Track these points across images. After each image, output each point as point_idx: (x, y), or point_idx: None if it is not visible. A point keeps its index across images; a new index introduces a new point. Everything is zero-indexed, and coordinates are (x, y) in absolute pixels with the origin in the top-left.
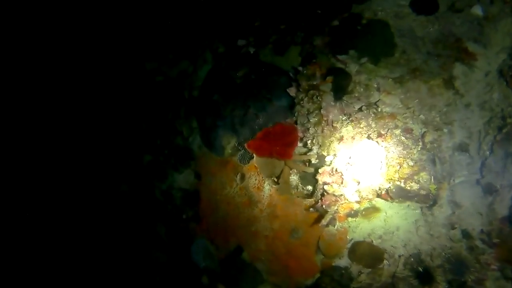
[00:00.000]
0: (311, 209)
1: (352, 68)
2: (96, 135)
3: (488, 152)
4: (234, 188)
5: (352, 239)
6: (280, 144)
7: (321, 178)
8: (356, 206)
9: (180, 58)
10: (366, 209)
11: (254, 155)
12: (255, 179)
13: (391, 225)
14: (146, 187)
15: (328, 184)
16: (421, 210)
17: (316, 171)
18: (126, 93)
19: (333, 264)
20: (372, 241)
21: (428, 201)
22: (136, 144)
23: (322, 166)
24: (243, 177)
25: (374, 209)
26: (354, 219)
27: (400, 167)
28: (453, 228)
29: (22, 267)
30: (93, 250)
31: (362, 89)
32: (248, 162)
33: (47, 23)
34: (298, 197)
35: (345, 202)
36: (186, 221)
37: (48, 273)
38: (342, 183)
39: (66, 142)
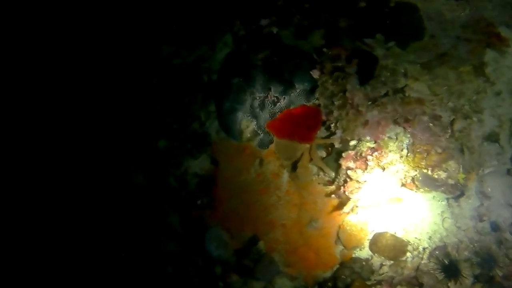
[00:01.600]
0: (332, 195)
1: (379, 51)
2: (110, 119)
3: None
4: (251, 175)
5: (373, 230)
6: (302, 126)
7: (344, 163)
8: (379, 195)
9: (199, 43)
10: (389, 198)
11: (274, 138)
12: (274, 165)
13: (416, 216)
14: (160, 173)
15: (352, 169)
16: (447, 201)
17: (339, 155)
18: (143, 77)
19: (353, 255)
20: (395, 232)
21: (455, 191)
22: (151, 128)
23: (346, 150)
24: (261, 163)
25: (398, 199)
26: (376, 208)
27: (427, 154)
28: (481, 220)
29: (32, 257)
30: (104, 240)
31: (388, 74)
32: (267, 147)
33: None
34: (318, 183)
35: (369, 189)
36: (201, 208)
37: (59, 262)
38: (366, 169)
39: (79, 127)
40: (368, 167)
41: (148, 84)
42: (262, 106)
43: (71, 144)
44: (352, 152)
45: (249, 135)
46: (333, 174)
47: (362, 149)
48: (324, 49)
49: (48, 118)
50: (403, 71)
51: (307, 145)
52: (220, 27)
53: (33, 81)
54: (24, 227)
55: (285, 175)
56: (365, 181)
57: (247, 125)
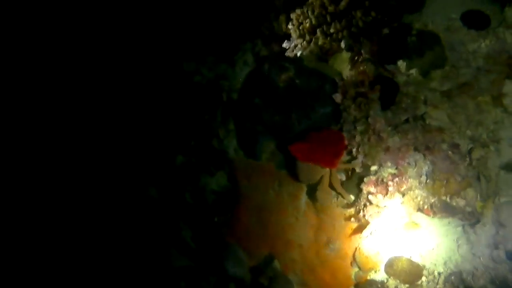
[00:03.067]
0: (352, 219)
1: (400, 78)
2: (129, 134)
3: None
4: (270, 195)
5: (390, 253)
6: (326, 151)
7: (366, 188)
8: (397, 220)
9: (219, 61)
10: (406, 223)
11: (295, 160)
12: (293, 187)
13: (432, 241)
14: (176, 189)
15: (372, 194)
16: (463, 228)
17: (361, 180)
18: (162, 92)
19: (368, 278)
20: (411, 256)
21: (472, 218)
22: (169, 144)
23: (367, 175)
24: (280, 184)
25: (415, 224)
26: (394, 233)
27: (447, 182)
28: (496, 248)
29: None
30: (116, 252)
31: (409, 101)
32: (288, 168)
33: (86, 20)
34: (338, 206)
35: (388, 214)
36: (217, 225)
37: (72, 274)
38: (387, 194)
39: (98, 139)
40: (389, 193)
41: (168, 100)
42: (283, 128)
43: (88, 153)
44: (373, 178)
45: (268, 156)
46: (351, 199)
47: (384, 174)
48: (347, 75)
49: (65, 129)
50: (423, 98)
51: (328, 169)
52: (241, 46)
53: (59, 97)
54: (37, 240)
55: (304, 197)
56: (385, 206)
57: (268, 146)
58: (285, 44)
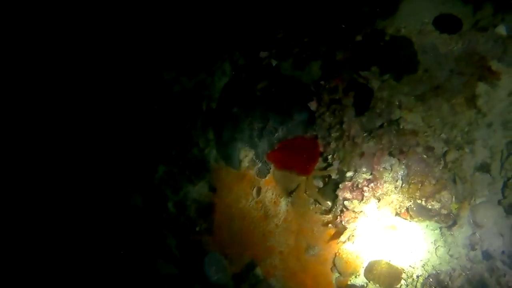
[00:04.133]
0: (329, 225)
1: (374, 84)
2: (109, 144)
3: (511, 173)
4: (250, 202)
5: (369, 258)
6: (301, 158)
7: (341, 194)
8: (375, 225)
9: (198, 70)
10: (384, 227)
11: (272, 168)
12: (272, 194)
13: (410, 244)
14: (158, 199)
15: (348, 199)
16: (440, 230)
17: (337, 186)
18: (143, 102)
19: (349, 282)
20: (390, 260)
21: (448, 220)
22: (150, 154)
23: (343, 181)
24: (259, 191)
25: (393, 228)
26: (372, 237)
27: (421, 185)
28: (473, 249)
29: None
30: (101, 261)
31: (383, 106)
32: (266, 176)
33: (64, 29)
34: (316, 212)
35: (365, 219)
36: (199, 234)
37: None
38: (362, 199)
39: (78, 150)
40: (364, 198)
41: (149, 110)
42: (260, 136)
43: (73, 161)
44: (349, 183)
45: (247, 164)
46: (328, 205)
47: (359, 180)
48: (322, 82)
49: (52, 135)
50: (397, 103)
51: (304, 176)
52: (219, 55)
53: (36, 104)
54: (24, 243)
55: (283, 203)
56: (361, 211)
57: (246, 154)
58: (262, 54)
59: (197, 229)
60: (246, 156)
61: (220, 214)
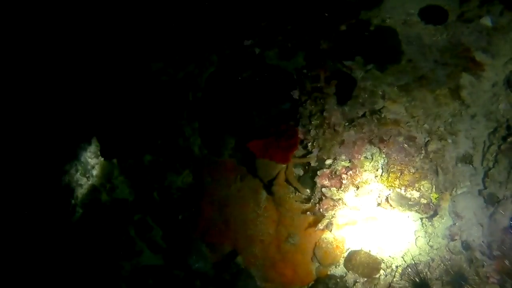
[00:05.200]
0: (307, 212)
1: (358, 74)
2: (97, 132)
3: (492, 163)
4: (232, 190)
5: (349, 248)
6: (279, 147)
7: (320, 181)
8: (354, 215)
9: (186, 60)
10: (364, 217)
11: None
12: (253, 182)
13: (390, 235)
14: (145, 187)
15: (326, 187)
16: (421, 220)
17: (316, 174)
18: (130, 92)
19: (329, 272)
20: (370, 250)
21: (428, 211)
22: (137, 143)
23: (322, 169)
24: (242, 179)
25: (373, 218)
26: (352, 228)
27: (401, 174)
28: (453, 239)
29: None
30: (85, 253)
31: (366, 95)
32: (248, 164)
33: (53, 22)
34: (296, 201)
35: (344, 207)
36: (182, 222)
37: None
38: (340, 187)
39: (65, 138)
40: (343, 186)
41: (136, 99)
42: (243, 124)
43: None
44: (327, 171)
45: (230, 152)
46: (307, 192)
47: (337, 167)
48: (304, 70)
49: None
50: (381, 93)
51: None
52: (207, 46)
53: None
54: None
55: (264, 191)
56: (339, 199)
57: (229, 142)
58: (246, 42)
59: (180, 217)
60: (229, 144)
61: (202, 203)
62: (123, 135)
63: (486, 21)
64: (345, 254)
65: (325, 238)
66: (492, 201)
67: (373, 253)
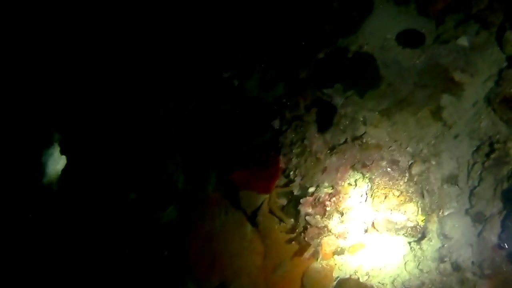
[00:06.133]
0: (293, 242)
1: (338, 100)
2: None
3: (477, 181)
4: (217, 224)
5: (338, 276)
6: (261, 177)
7: (303, 209)
8: (342, 242)
9: (167, 97)
10: (352, 244)
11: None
12: (238, 215)
13: (379, 260)
14: (131, 224)
15: (310, 215)
16: (409, 244)
17: (298, 202)
18: (114, 128)
19: None
20: (359, 278)
21: (416, 234)
22: (121, 181)
23: (304, 196)
24: (226, 213)
25: (360, 245)
26: (340, 256)
27: (385, 198)
28: (442, 261)
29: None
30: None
31: (347, 122)
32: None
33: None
34: (281, 231)
35: (329, 234)
36: (169, 258)
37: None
38: (325, 214)
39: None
40: (327, 213)
41: (120, 136)
42: (225, 158)
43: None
44: (310, 198)
45: (215, 186)
46: (291, 222)
47: (320, 194)
48: (284, 100)
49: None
50: (362, 118)
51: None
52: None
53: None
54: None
55: (249, 224)
56: (324, 227)
57: (212, 176)
58: (225, 74)
59: (165, 253)
60: (213, 178)
61: (188, 238)
62: (108, 172)
63: (463, 41)
64: (334, 283)
65: (313, 268)
66: (479, 219)
67: (362, 280)
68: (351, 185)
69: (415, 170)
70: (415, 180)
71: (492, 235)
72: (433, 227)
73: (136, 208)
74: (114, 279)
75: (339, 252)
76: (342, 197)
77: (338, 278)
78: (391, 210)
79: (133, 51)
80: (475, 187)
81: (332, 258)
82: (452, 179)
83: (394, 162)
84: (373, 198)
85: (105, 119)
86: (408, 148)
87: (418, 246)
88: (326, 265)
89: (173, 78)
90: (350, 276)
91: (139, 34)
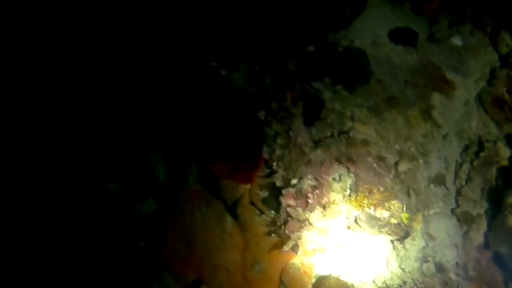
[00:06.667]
0: (272, 234)
1: (326, 95)
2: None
3: (465, 181)
4: (196, 217)
5: (317, 273)
6: (242, 167)
7: (284, 201)
8: (323, 238)
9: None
10: (333, 241)
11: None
12: (219, 207)
13: (360, 258)
14: (110, 216)
15: (291, 207)
16: (392, 243)
17: (280, 193)
18: (97, 117)
19: None
20: (339, 275)
21: (399, 232)
22: (102, 171)
23: (287, 188)
24: (207, 205)
25: (342, 242)
26: (320, 252)
27: (370, 193)
28: (426, 261)
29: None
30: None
31: (335, 117)
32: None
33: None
34: (262, 225)
35: (310, 228)
36: (146, 250)
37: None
38: (306, 207)
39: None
40: (309, 206)
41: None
42: (209, 150)
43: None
44: (292, 190)
45: (196, 178)
46: (272, 214)
47: (303, 187)
48: (270, 91)
49: None
50: (350, 114)
51: (249, 185)
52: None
53: None
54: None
55: (230, 217)
56: (306, 220)
57: (195, 168)
58: (212, 63)
59: (142, 244)
60: (195, 170)
61: (166, 230)
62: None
63: (456, 40)
64: (313, 280)
65: (292, 264)
66: (465, 219)
67: (342, 278)
68: (335, 179)
69: (402, 167)
70: (401, 177)
71: (478, 236)
72: (417, 226)
73: (116, 199)
74: (88, 268)
75: (319, 248)
76: (326, 190)
77: (317, 276)
78: (375, 206)
79: (113, 39)
80: (462, 187)
81: (312, 255)
82: (439, 179)
83: (380, 159)
84: (357, 193)
85: (86, 107)
86: (396, 146)
87: (401, 245)
88: (306, 262)
89: (157, 67)
90: (330, 273)
91: (120, 20)
